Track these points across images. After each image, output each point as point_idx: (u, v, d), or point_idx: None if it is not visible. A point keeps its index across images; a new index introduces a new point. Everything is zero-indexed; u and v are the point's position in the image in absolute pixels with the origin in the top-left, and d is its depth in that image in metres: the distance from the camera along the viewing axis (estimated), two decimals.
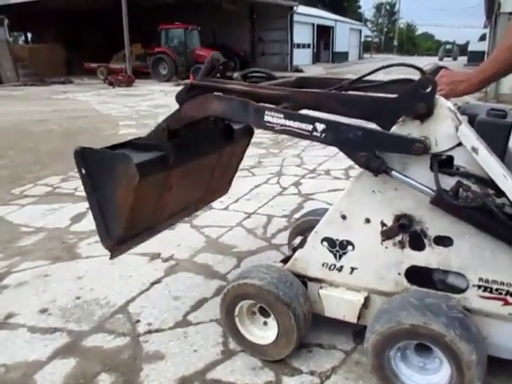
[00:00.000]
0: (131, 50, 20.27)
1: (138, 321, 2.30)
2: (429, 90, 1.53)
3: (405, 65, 1.98)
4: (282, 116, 1.75)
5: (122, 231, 1.97)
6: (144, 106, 11.34)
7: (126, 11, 18.71)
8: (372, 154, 1.64)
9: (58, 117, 9.52)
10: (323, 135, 1.69)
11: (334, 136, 1.67)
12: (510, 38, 1.63)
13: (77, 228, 3.53)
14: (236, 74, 2.26)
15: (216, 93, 1.94)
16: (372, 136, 1.64)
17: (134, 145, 1.99)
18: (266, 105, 1.83)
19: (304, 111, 1.86)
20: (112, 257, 2.10)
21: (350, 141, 1.65)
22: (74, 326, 2.27)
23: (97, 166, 1.91)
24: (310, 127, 1.71)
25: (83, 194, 4.22)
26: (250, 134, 2.53)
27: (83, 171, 1.94)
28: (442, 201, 1.56)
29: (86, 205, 3.93)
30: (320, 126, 1.69)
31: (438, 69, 1.92)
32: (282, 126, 1.76)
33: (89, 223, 3.58)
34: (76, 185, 4.64)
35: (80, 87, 17.48)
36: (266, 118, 1.78)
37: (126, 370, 1.95)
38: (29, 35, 29.29)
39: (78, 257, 3.04)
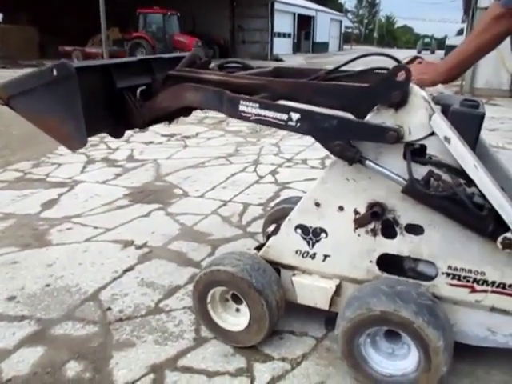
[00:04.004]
0: (108, 34, 19.76)
1: (110, 308, 2.26)
2: (403, 78, 1.54)
3: (381, 54, 1.99)
4: (257, 106, 1.73)
5: None
6: None
7: None
8: (347, 142, 1.64)
9: None
10: (298, 124, 1.67)
11: (309, 125, 1.66)
12: (475, 31, 1.66)
13: (48, 214, 3.44)
14: (212, 65, 2.24)
15: (191, 83, 1.91)
16: (346, 125, 1.63)
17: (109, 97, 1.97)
18: (241, 95, 1.80)
19: (280, 101, 1.85)
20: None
21: (325, 130, 1.64)
22: (43, 313, 2.21)
23: (60, 96, 1.86)
24: (284, 117, 1.69)
25: (55, 179, 4.22)
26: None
27: (55, 73, 1.80)
28: (413, 190, 1.58)
29: (58, 191, 3.92)
30: (295, 116, 1.67)
31: (414, 59, 1.93)
32: (257, 115, 1.74)
33: (60, 210, 3.52)
34: (48, 170, 4.53)
35: None
36: (241, 108, 1.76)
37: (95, 357, 1.92)
38: (0, 15, 28.17)
39: (48, 244, 2.96)
